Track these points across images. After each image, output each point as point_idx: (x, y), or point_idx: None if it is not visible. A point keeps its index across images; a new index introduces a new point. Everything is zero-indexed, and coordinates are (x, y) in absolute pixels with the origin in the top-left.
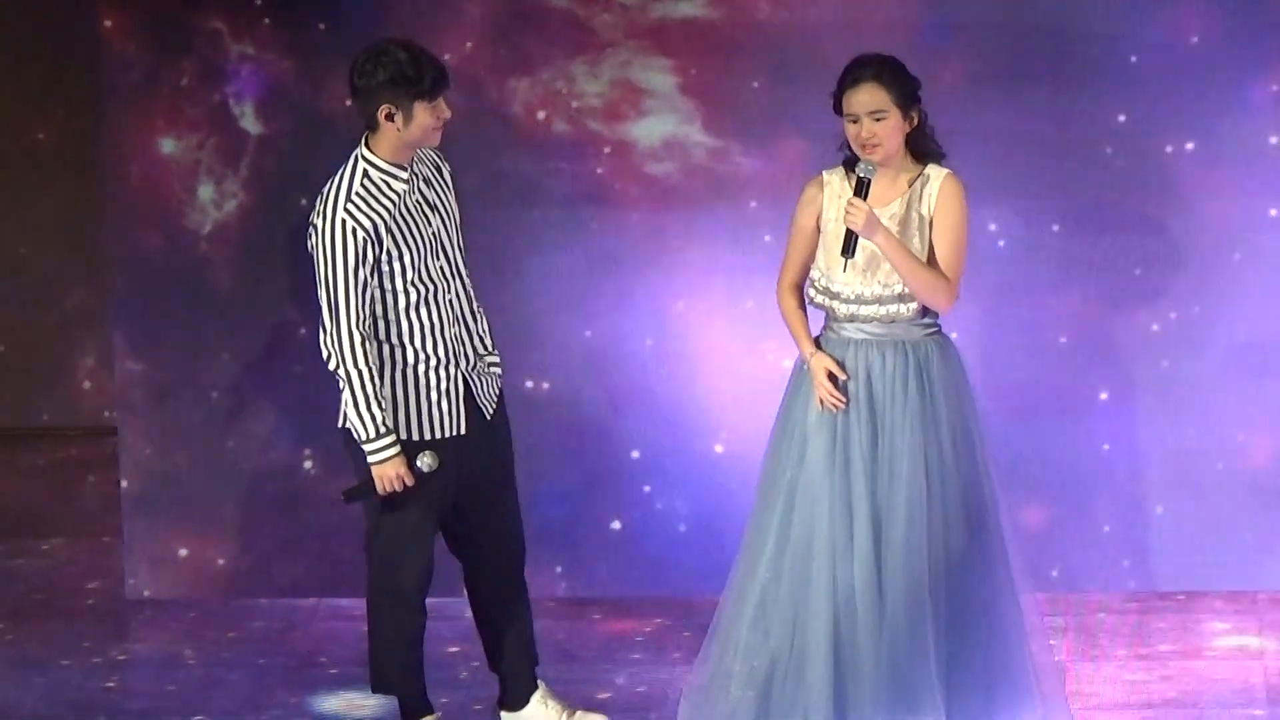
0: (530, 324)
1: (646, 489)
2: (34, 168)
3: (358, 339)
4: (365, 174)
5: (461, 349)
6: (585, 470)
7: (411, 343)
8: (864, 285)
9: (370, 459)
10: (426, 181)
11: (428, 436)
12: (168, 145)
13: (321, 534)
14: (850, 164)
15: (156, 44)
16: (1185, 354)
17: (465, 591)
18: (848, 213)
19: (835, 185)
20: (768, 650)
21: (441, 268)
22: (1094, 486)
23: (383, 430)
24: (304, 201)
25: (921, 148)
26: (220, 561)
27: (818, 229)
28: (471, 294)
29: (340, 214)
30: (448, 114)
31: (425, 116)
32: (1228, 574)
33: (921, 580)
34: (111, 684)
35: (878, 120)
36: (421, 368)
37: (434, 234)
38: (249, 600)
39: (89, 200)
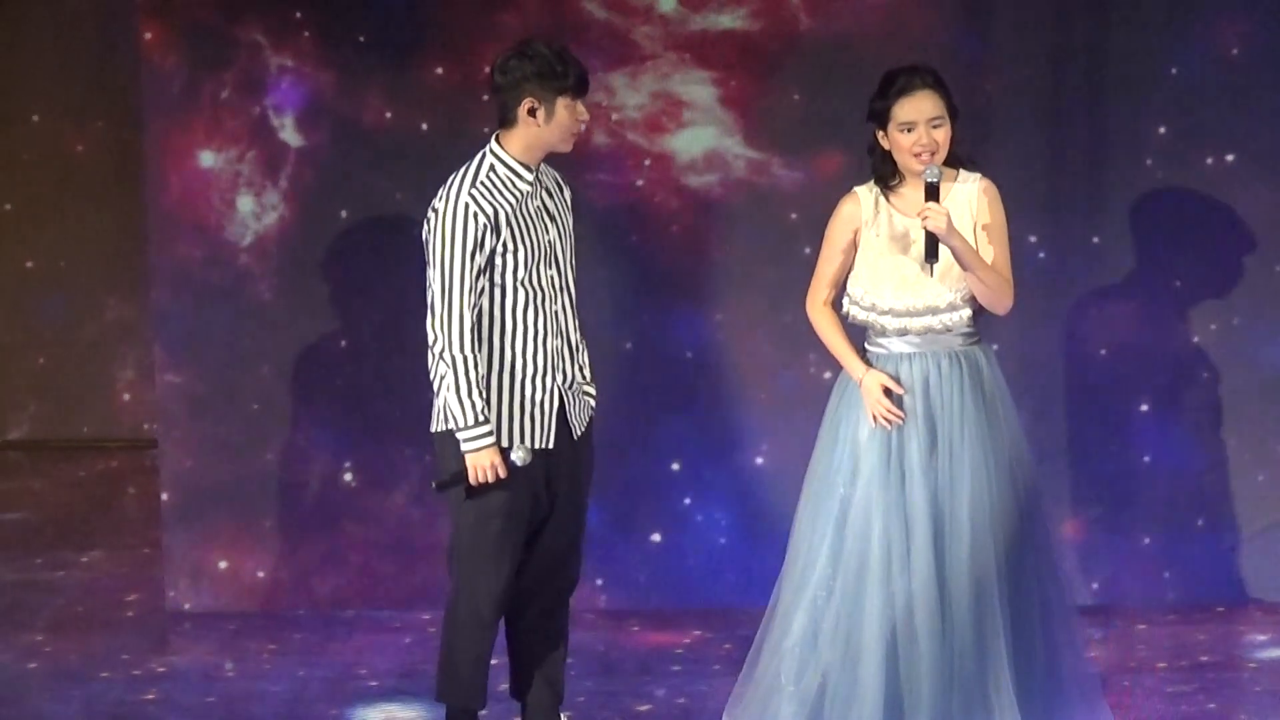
0: None
1: (687, 501)
2: (73, 180)
3: (468, 324)
4: (492, 168)
5: (561, 364)
6: (626, 482)
7: (514, 345)
8: (915, 297)
9: (465, 446)
10: (549, 192)
11: (515, 443)
12: (208, 158)
13: (361, 547)
14: (883, 179)
15: (197, 56)
16: (1226, 366)
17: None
18: (926, 217)
19: (871, 200)
20: (819, 666)
21: (552, 278)
22: (1134, 498)
23: (481, 418)
24: (344, 214)
25: (955, 155)
26: (260, 574)
27: (854, 245)
28: (578, 318)
29: (464, 198)
30: (586, 118)
31: (566, 115)
32: (1268, 586)
33: (988, 588)
34: (151, 696)
35: (936, 127)
36: (520, 374)
37: (550, 242)
38: (289, 612)
39: (128, 213)
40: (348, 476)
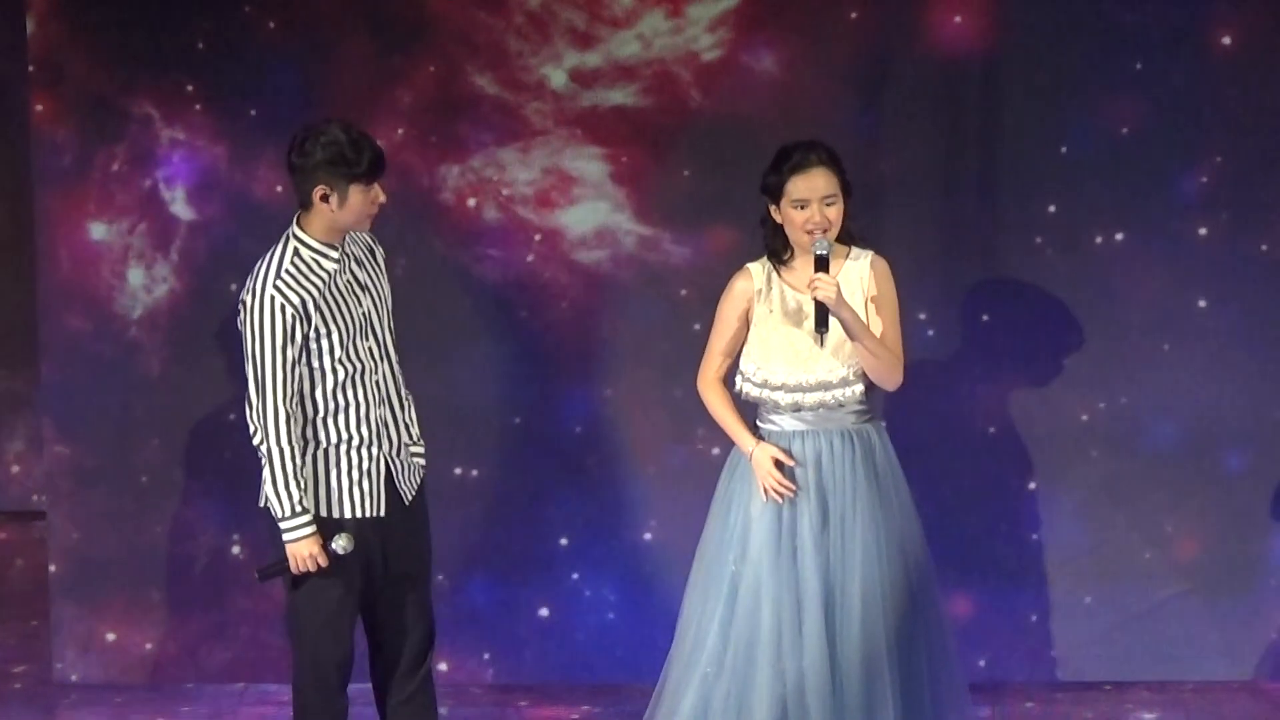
0: (459, 410)
1: (575, 576)
2: None
3: (283, 416)
4: (296, 252)
5: (386, 431)
6: (513, 557)
7: (335, 421)
8: (807, 372)
9: (285, 536)
10: (359, 262)
11: (346, 515)
12: (99, 230)
13: (250, 620)
14: (775, 254)
15: (88, 129)
16: (1114, 445)
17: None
18: (816, 287)
19: (763, 275)
20: None
21: (371, 349)
22: (1022, 576)
23: (299, 509)
24: (234, 287)
25: (847, 232)
26: (148, 646)
27: (746, 321)
28: (400, 379)
29: (270, 290)
30: (382, 199)
31: (359, 200)
32: (1155, 664)
33: (879, 665)
34: None
35: (829, 205)
36: (344, 447)
37: (364, 314)
38: (177, 685)
39: (18, 283)
40: (236, 549)
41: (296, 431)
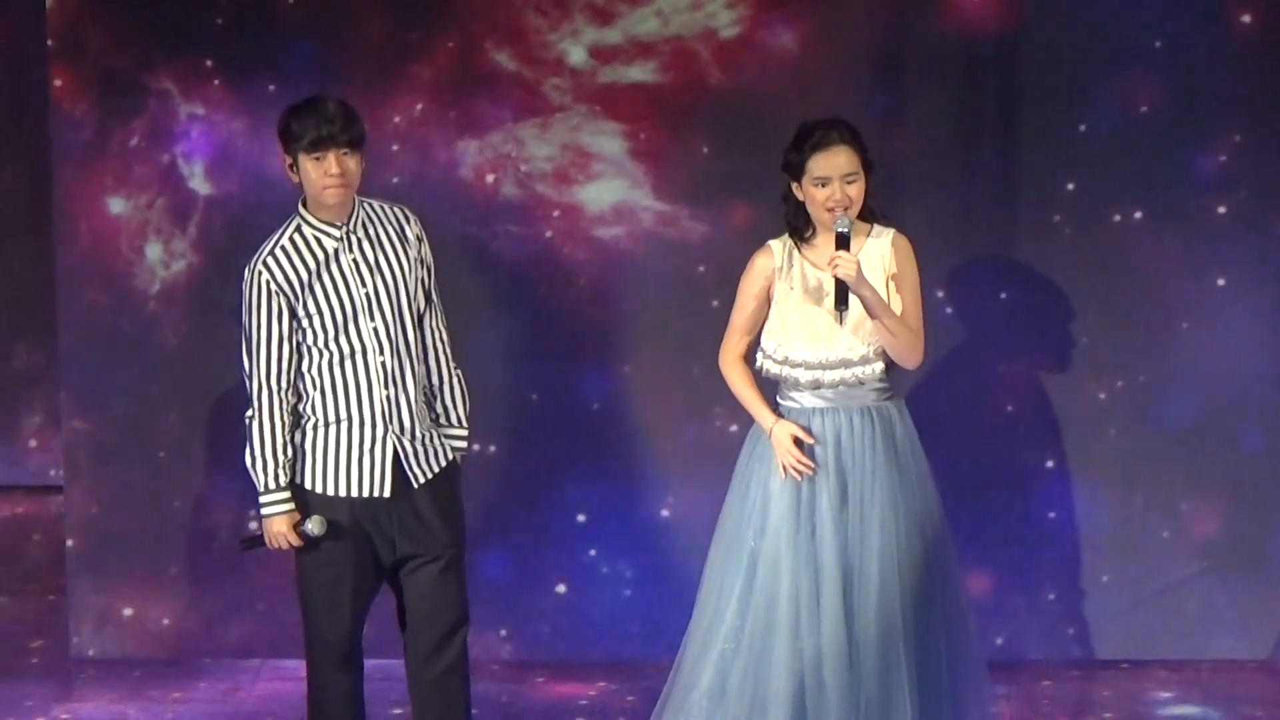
0: (476, 387)
1: (592, 553)
2: None
3: (267, 390)
4: (298, 229)
5: (395, 412)
6: (531, 533)
7: (329, 400)
8: (828, 350)
9: (261, 511)
10: (375, 242)
11: (341, 493)
12: (117, 205)
13: (267, 594)
14: (797, 231)
15: (107, 104)
16: (1132, 423)
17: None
18: (836, 265)
19: (784, 252)
20: (726, 717)
21: (375, 329)
22: (1039, 554)
23: (272, 485)
24: None
25: (868, 209)
26: (165, 621)
27: (767, 298)
28: (431, 363)
29: (258, 266)
30: (334, 171)
31: (312, 171)
32: (1173, 643)
33: (895, 642)
34: None
35: (850, 182)
36: (341, 426)
37: (368, 295)
38: (194, 660)
39: (37, 259)
40: (253, 525)
41: (285, 407)
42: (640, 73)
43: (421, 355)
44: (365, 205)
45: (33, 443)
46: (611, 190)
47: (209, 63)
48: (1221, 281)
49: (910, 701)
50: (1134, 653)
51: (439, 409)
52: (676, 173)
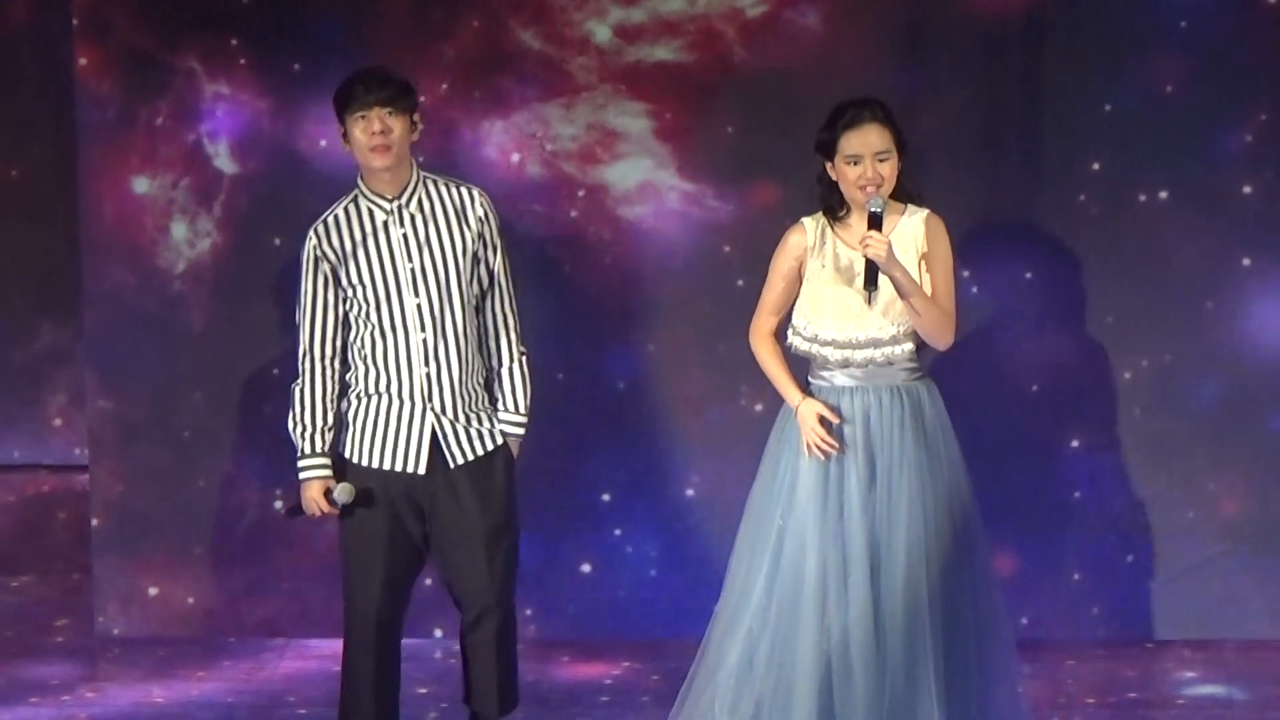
0: None
1: (617, 532)
2: (7, 205)
3: (312, 356)
4: (354, 200)
5: (433, 391)
6: (556, 513)
7: (369, 373)
8: (857, 329)
9: (299, 476)
10: (427, 218)
11: (374, 464)
12: (142, 184)
13: (291, 574)
14: (830, 210)
15: (132, 82)
16: (1157, 402)
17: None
18: (868, 245)
19: (816, 231)
20: (753, 695)
21: (419, 305)
22: (1064, 534)
23: (308, 450)
24: (277, 241)
25: (902, 189)
26: (190, 600)
27: (798, 276)
28: (491, 345)
29: (311, 236)
30: (376, 129)
31: (358, 133)
32: (1197, 623)
33: (922, 622)
34: None
35: (882, 160)
36: (380, 399)
37: (414, 271)
38: (218, 639)
39: (62, 238)
40: (278, 504)
41: (329, 374)
42: (666, 52)
43: (476, 337)
44: (427, 182)
45: (58, 422)
46: (637, 169)
47: (234, 42)
48: (1247, 261)
49: (936, 680)
50: (1158, 633)
51: (497, 393)
52: (702, 152)
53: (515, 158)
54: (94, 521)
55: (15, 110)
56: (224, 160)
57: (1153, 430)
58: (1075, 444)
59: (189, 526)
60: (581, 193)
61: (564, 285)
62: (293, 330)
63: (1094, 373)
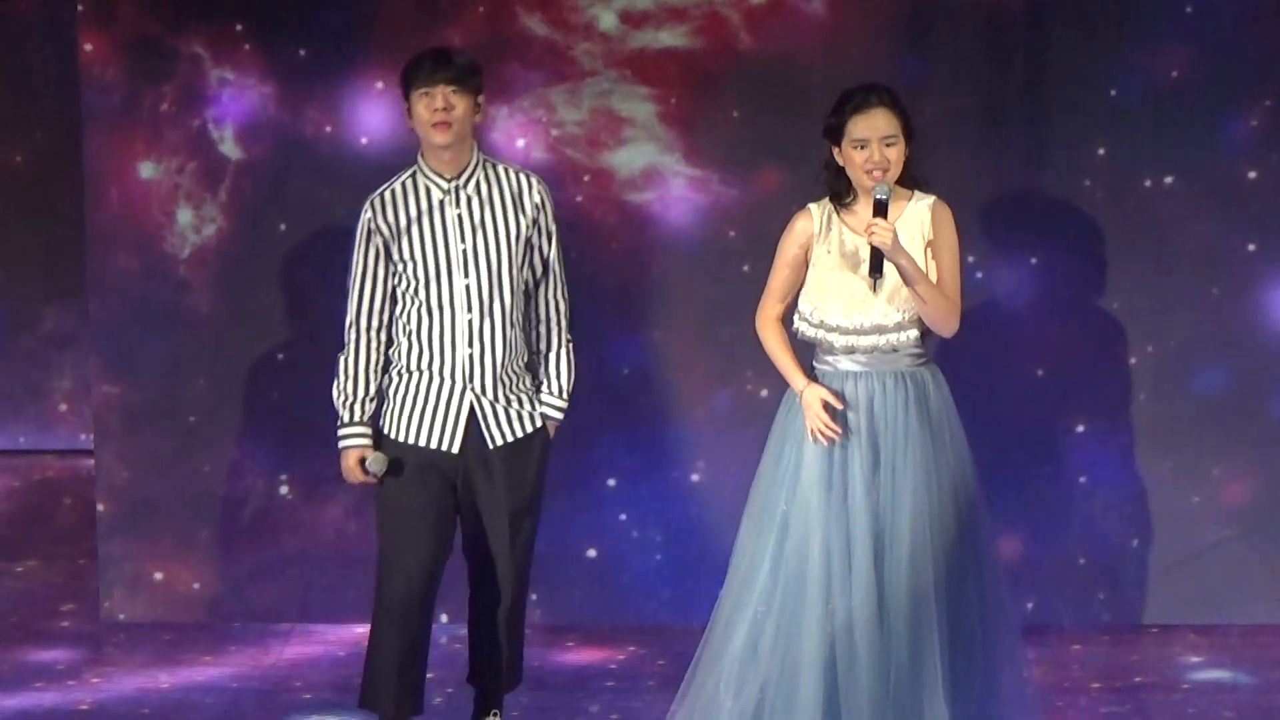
0: None
1: (622, 517)
2: (12, 190)
3: (358, 328)
4: (413, 176)
5: (476, 372)
6: (561, 498)
7: (412, 349)
8: (863, 315)
9: (339, 444)
10: (483, 201)
11: (410, 441)
12: (147, 169)
13: (297, 559)
14: (837, 195)
15: (137, 69)
16: (1162, 388)
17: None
18: (872, 232)
19: (823, 216)
20: (758, 679)
21: (468, 286)
22: (1069, 519)
23: (347, 419)
24: (283, 226)
25: (909, 176)
26: (195, 585)
27: (805, 261)
28: (541, 330)
29: (366, 209)
30: (438, 105)
31: (420, 109)
32: (1202, 608)
33: (926, 607)
34: (85, 707)
35: (889, 145)
36: (420, 376)
37: (465, 252)
38: (224, 624)
39: (68, 223)
40: (284, 489)
41: (374, 346)
42: (671, 37)
43: (524, 322)
44: (487, 165)
45: (63, 407)
46: (642, 155)
47: (239, 27)
48: (1252, 247)
49: (941, 665)
50: (1164, 617)
51: (542, 376)
52: (707, 137)
53: (521, 143)
54: (99, 507)
55: (21, 96)
56: (229, 146)
57: (1158, 415)
58: (1080, 429)
59: (194, 512)
60: (587, 178)
61: (569, 271)
62: (298, 316)
63: (1099, 358)
